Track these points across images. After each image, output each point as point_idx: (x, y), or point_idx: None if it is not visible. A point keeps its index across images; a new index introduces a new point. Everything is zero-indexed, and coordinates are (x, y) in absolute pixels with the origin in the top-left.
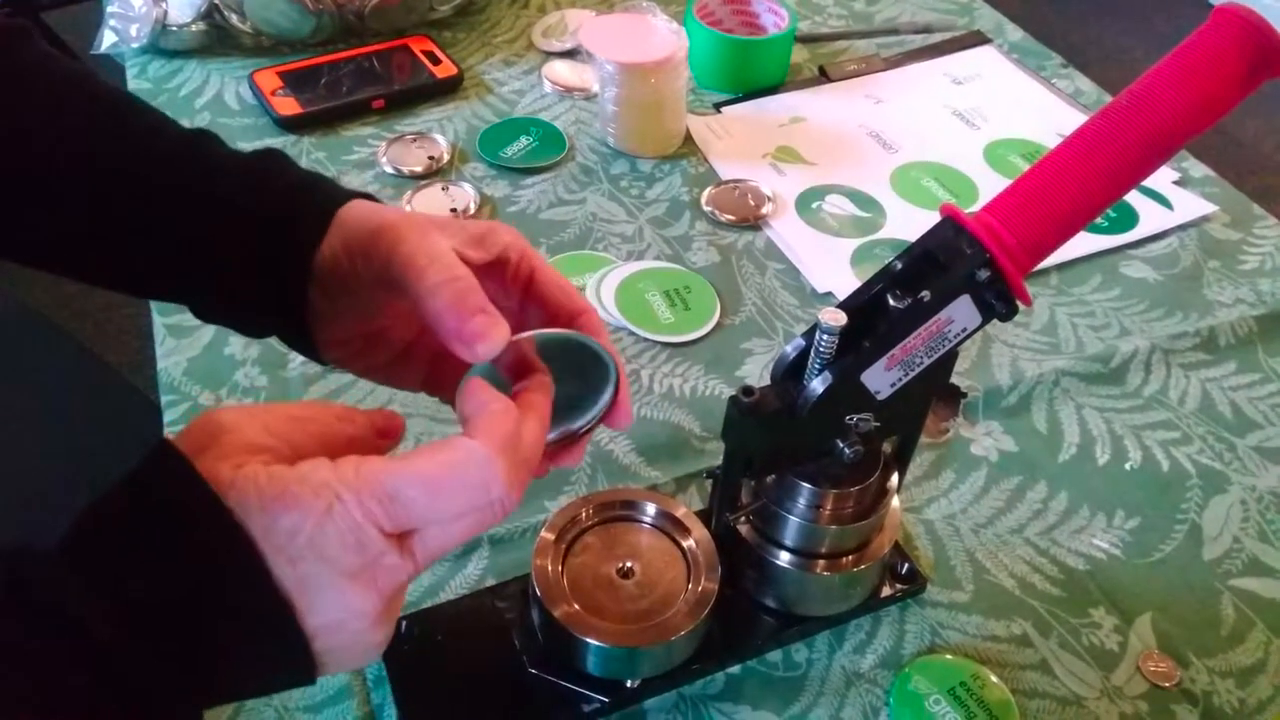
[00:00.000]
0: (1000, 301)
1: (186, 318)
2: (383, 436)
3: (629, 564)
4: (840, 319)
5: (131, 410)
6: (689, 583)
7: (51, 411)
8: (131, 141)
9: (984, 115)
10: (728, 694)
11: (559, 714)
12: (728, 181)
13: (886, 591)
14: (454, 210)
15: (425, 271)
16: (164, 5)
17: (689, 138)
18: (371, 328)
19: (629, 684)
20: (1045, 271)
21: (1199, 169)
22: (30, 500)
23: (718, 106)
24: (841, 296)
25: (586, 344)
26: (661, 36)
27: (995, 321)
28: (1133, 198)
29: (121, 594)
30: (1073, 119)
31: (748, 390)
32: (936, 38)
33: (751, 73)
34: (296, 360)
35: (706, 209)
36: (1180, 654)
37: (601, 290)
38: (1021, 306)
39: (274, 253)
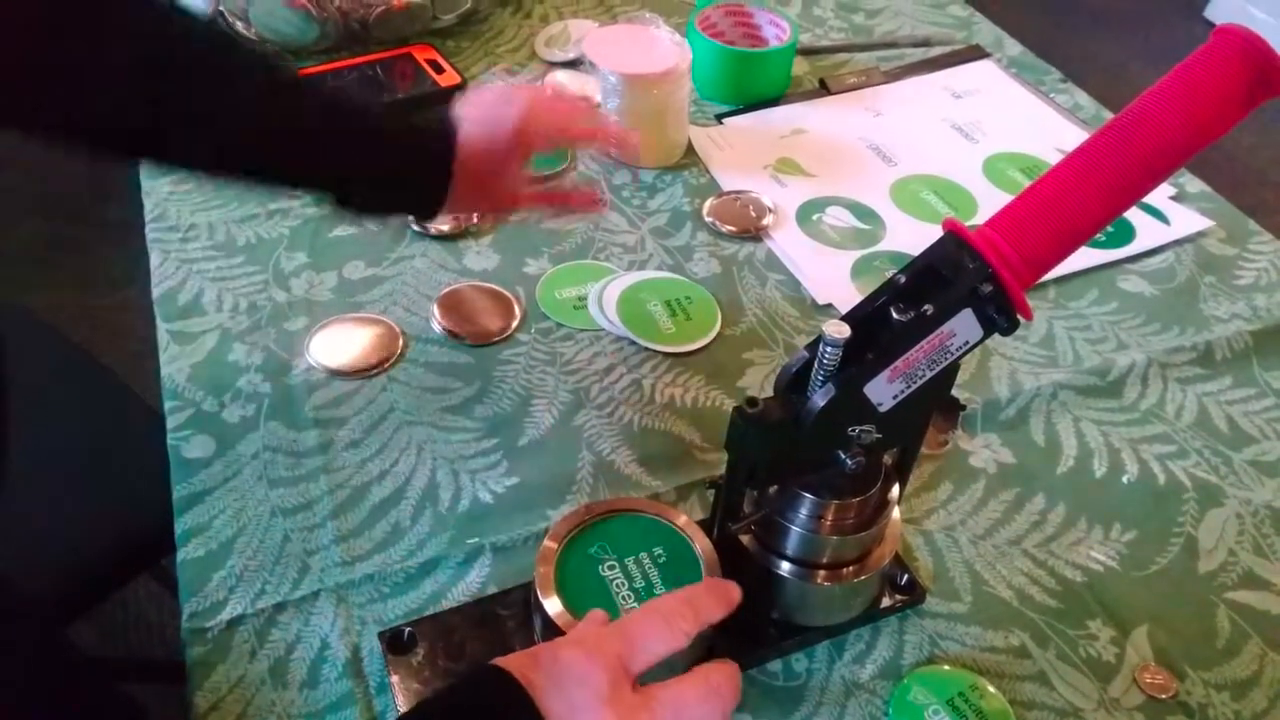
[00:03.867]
0: (1002, 315)
1: (190, 323)
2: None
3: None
4: (844, 331)
5: (131, 415)
6: None
7: (51, 416)
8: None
9: (983, 129)
10: None
11: None
12: (729, 192)
13: (886, 602)
14: (456, 218)
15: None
16: None
17: (691, 149)
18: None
19: None
20: (1043, 285)
21: (1195, 184)
22: (32, 504)
23: (719, 118)
24: (842, 308)
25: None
26: (664, 48)
27: (995, 335)
28: (1130, 213)
29: None
30: (1071, 133)
31: (752, 401)
32: (936, 51)
33: (753, 84)
34: (300, 367)
35: (708, 220)
36: (1177, 666)
37: (603, 300)
38: (1021, 320)
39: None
